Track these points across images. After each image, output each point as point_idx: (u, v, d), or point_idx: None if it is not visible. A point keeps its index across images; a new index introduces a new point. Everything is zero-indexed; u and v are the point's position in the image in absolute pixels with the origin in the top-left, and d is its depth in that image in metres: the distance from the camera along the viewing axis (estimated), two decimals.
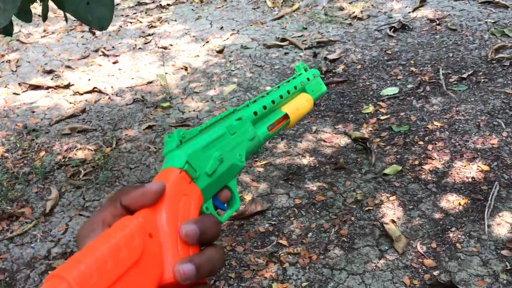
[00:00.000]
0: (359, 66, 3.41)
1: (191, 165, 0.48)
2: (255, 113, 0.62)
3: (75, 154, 2.87)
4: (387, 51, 3.55)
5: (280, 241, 2.11)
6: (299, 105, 0.69)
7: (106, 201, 0.44)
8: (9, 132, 3.17)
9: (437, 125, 2.67)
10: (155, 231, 0.41)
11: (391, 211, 2.18)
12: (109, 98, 3.49)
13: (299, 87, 0.71)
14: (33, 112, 3.41)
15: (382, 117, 2.81)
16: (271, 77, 3.47)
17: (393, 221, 2.12)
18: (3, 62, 4.28)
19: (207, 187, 0.51)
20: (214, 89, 3.43)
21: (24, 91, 3.72)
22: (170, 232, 0.42)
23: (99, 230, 0.41)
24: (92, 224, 0.42)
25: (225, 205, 0.56)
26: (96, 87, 3.61)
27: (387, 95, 3.02)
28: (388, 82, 3.17)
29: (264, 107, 0.63)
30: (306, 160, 2.56)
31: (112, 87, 3.64)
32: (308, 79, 0.73)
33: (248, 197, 2.37)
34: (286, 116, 0.67)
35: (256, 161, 2.61)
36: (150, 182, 0.45)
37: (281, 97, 0.67)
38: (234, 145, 0.56)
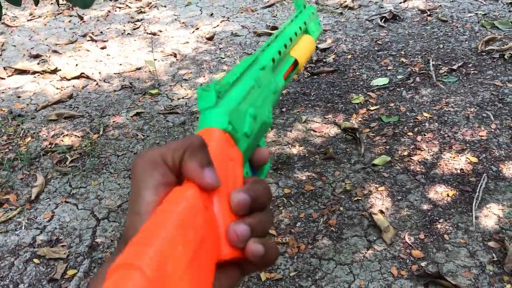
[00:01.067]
0: (349, 56, 3.40)
1: (233, 126, 0.43)
2: (273, 60, 0.56)
3: (62, 140, 2.82)
4: (377, 41, 3.54)
5: (269, 231, 2.09)
6: (305, 49, 0.64)
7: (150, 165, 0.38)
8: None
9: (426, 116, 2.67)
10: (210, 202, 0.37)
11: (379, 202, 2.18)
12: (97, 84, 3.44)
13: (303, 27, 0.67)
14: (19, 97, 3.35)
15: (371, 108, 2.80)
16: None
17: (381, 212, 2.13)
18: None
19: (247, 149, 0.46)
20: (204, 76, 3.40)
21: (9, 76, 3.65)
22: (222, 203, 0.38)
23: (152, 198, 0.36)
24: (140, 193, 0.37)
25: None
26: (83, 73, 3.56)
27: (377, 85, 3.01)
28: (378, 72, 3.16)
29: (279, 53, 0.58)
30: (295, 150, 2.55)
31: (100, 73, 3.59)
32: (308, 18, 0.69)
33: None
34: (295, 62, 0.62)
35: None
36: None
37: (290, 40, 0.62)
38: (263, 100, 0.51)
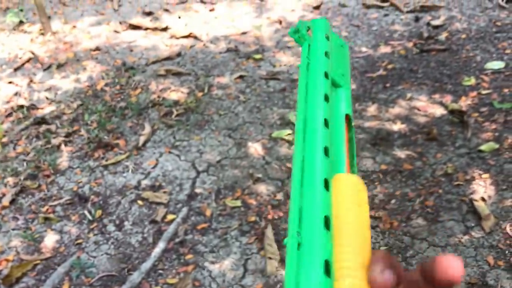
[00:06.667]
0: (463, 36, 3.22)
1: None
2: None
3: (169, 94, 2.97)
4: (496, 23, 3.32)
5: None
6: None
7: None
8: (109, 68, 3.34)
9: None
10: None
11: (482, 189, 2.09)
12: (204, 44, 3.55)
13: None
14: (131, 51, 3.55)
15: (483, 91, 2.66)
16: (367, 38, 3.37)
17: (483, 199, 2.04)
18: (106, 0, 4.46)
19: None
20: None
21: (124, 30, 3.87)
22: None
23: None
24: None
25: None
26: (192, 33, 3.69)
27: (492, 69, 2.84)
28: (494, 55, 2.98)
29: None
30: (396, 127, 2.50)
31: (207, 34, 3.70)
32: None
33: None
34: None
35: None
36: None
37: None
38: None
